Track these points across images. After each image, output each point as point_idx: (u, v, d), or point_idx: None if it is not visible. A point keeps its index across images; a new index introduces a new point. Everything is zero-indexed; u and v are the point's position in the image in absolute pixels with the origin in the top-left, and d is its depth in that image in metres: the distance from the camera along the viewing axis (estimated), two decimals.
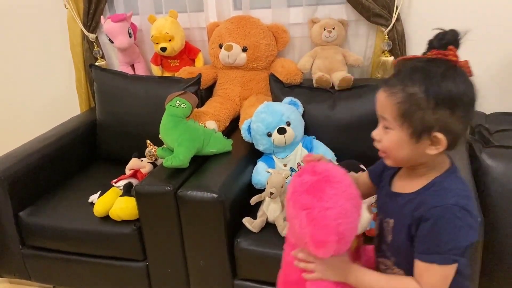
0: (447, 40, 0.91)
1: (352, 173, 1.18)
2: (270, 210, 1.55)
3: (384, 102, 0.90)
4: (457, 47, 0.91)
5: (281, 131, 1.69)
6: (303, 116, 1.79)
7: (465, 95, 0.86)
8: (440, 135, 0.85)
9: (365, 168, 1.55)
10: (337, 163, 1.62)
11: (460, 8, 1.86)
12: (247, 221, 1.57)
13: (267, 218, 1.57)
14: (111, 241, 1.71)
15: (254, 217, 1.60)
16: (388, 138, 0.91)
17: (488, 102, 1.92)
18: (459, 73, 0.87)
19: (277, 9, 2.08)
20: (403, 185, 0.97)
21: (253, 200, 1.59)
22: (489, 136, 1.66)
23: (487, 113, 1.82)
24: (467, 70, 0.91)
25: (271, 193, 1.52)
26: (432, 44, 0.91)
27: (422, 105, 0.84)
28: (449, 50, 0.89)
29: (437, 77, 0.85)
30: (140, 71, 2.33)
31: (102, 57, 2.38)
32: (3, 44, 2.61)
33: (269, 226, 1.57)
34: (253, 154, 1.80)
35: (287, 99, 1.80)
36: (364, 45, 2.02)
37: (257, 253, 1.52)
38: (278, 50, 2.09)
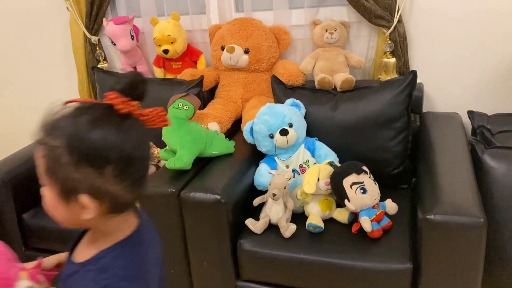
0: (124, 84, 0.74)
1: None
2: (272, 211, 1.56)
3: (35, 153, 0.74)
4: (136, 95, 0.75)
5: (283, 132, 1.69)
6: (305, 117, 1.80)
7: (117, 151, 0.71)
8: (85, 198, 0.71)
9: (367, 170, 1.55)
10: (339, 165, 1.62)
11: (461, 10, 1.86)
12: (250, 222, 1.57)
13: (269, 220, 1.57)
14: None
15: (257, 219, 1.60)
16: (45, 195, 0.76)
17: (490, 103, 1.92)
18: (117, 123, 0.72)
19: (279, 11, 2.08)
20: (80, 252, 0.82)
21: (256, 201, 1.59)
22: (491, 137, 1.66)
23: (489, 114, 1.82)
24: (156, 119, 0.77)
25: (274, 195, 1.52)
26: (111, 87, 0.74)
27: (63, 161, 0.70)
28: (109, 97, 0.73)
29: (84, 128, 0.70)
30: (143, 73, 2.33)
31: (105, 59, 2.39)
32: (6, 46, 2.62)
33: (272, 228, 1.57)
34: (255, 156, 1.80)
35: (289, 101, 1.80)
36: (366, 47, 2.03)
37: (260, 255, 1.53)
38: (280, 52, 2.10)
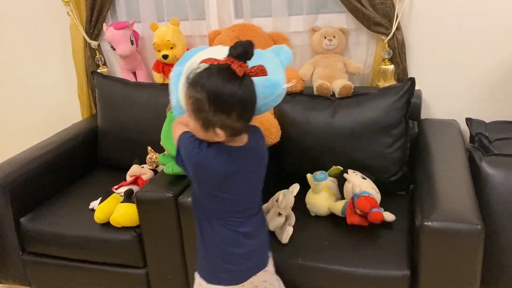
0: (239, 51, 1.06)
1: None
2: (272, 221, 1.55)
3: (184, 99, 1.13)
4: (247, 58, 1.07)
5: None
6: (303, 123, 1.80)
7: (241, 102, 1.07)
8: (219, 131, 1.09)
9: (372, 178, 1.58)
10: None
11: (460, 17, 1.87)
12: None
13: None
14: (112, 247, 1.71)
15: None
16: (190, 124, 1.14)
17: (488, 110, 1.93)
18: (239, 82, 1.05)
19: (278, 18, 2.09)
20: None
21: None
22: (489, 144, 1.67)
23: (487, 121, 1.83)
24: (259, 73, 1.09)
25: (279, 214, 1.52)
26: (229, 52, 1.07)
27: (205, 108, 1.07)
28: (232, 61, 1.06)
29: (218, 86, 1.05)
30: (142, 78, 2.34)
31: (104, 64, 2.40)
32: (6, 50, 2.62)
33: (270, 233, 1.57)
34: None
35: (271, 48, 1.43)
36: (364, 54, 2.04)
37: None
38: None
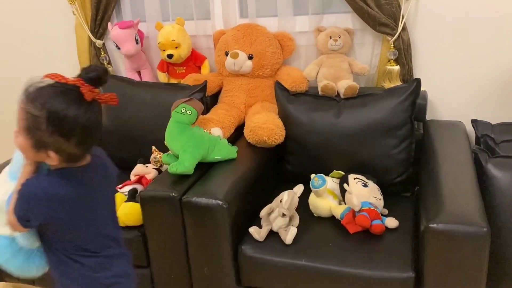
0: (92, 75, 1.00)
1: None
2: (276, 221, 1.55)
3: (18, 111, 1.01)
4: (99, 84, 1.02)
5: None
6: (308, 123, 1.80)
7: (84, 128, 0.99)
8: (52, 154, 1.00)
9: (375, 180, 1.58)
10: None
11: (466, 18, 1.86)
12: (254, 231, 1.56)
13: (271, 227, 1.57)
14: None
15: (258, 225, 1.59)
16: (18, 140, 1.02)
17: (494, 112, 1.92)
18: (85, 106, 0.98)
19: (283, 18, 2.09)
20: None
21: (263, 212, 1.58)
22: (495, 146, 1.66)
23: (493, 123, 1.81)
24: (109, 101, 1.04)
25: (284, 214, 1.52)
26: (80, 74, 1.01)
27: (42, 128, 0.96)
28: (83, 84, 0.99)
29: (61, 107, 0.96)
30: (147, 77, 2.34)
31: (109, 63, 2.40)
32: (11, 49, 2.63)
33: (273, 234, 1.57)
34: (258, 162, 1.80)
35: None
36: (370, 54, 2.03)
37: (261, 261, 1.52)
38: (284, 58, 2.10)
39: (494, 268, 1.42)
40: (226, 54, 2.07)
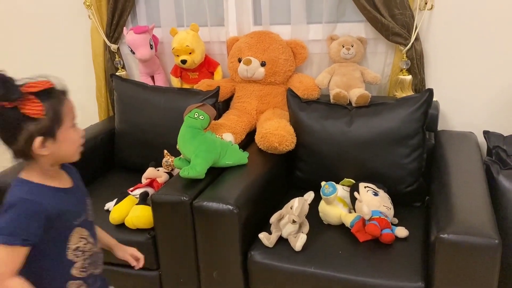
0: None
1: None
2: (286, 228, 1.55)
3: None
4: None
5: None
6: (319, 131, 1.80)
7: None
8: None
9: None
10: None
11: (478, 29, 1.86)
12: (264, 236, 1.57)
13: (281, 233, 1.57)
14: None
15: (268, 231, 1.60)
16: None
17: (506, 124, 1.91)
18: None
19: (297, 26, 2.11)
20: None
21: (273, 218, 1.59)
22: (507, 157, 1.65)
23: (505, 134, 1.81)
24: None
25: (294, 221, 1.52)
26: None
27: None
28: None
29: None
30: (160, 82, 2.37)
31: (123, 67, 2.43)
32: (27, 52, 2.67)
33: (283, 240, 1.57)
34: (268, 167, 1.81)
35: None
36: (382, 63, 2.04)
37: (270, 267, 1.52)
38: (296, 66, 2.12)
39: (506, 280, 1.41)
40: (239, 60, 2.08)
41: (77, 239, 1.11)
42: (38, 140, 1.00)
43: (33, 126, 0.99)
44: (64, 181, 1.13)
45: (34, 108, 0.99)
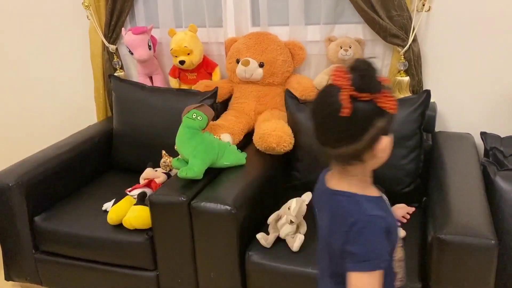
0: None
1: None
2: (284, 228, 1.56)
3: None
4: None
5: None
6: None
7: None
8: None
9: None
10: None
11: (476, 30, 1.87)
12: (261, 237, 1.57)
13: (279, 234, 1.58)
14: (123, 249, 1.73)
15: (265, 231, 1.60)
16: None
17: (503, 125, 1.92)
18: None
19: (295, 27, 2.11)
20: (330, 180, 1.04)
21: (271, 219, 1.59)
22: (504, 159, 1.66)
23: (502, 135, 1.81)
24: None
25: (291, 221, 1.52)
26: None
27: None
28: None
29: None
30: (158, 83, 2.37)
31: (121, 68, 2.43)
32: (25, 52, 2.67)
33: (280, 241, 1.58)
34: (266, 168, 1.81)
35: None
36: (380, 65, 2.04)
37: (268, 267, 1.53)
38: (295, 67, 2.12)
39: (502, 280, 1.42)
40: (237, 61, 2.09)
41: (399, 249, 1.00)
42: (385, 139, 0.86)
43: (381, 123, 0.85)
44: (374, 189, 0.98)
45: (390, 102, 0.84)
